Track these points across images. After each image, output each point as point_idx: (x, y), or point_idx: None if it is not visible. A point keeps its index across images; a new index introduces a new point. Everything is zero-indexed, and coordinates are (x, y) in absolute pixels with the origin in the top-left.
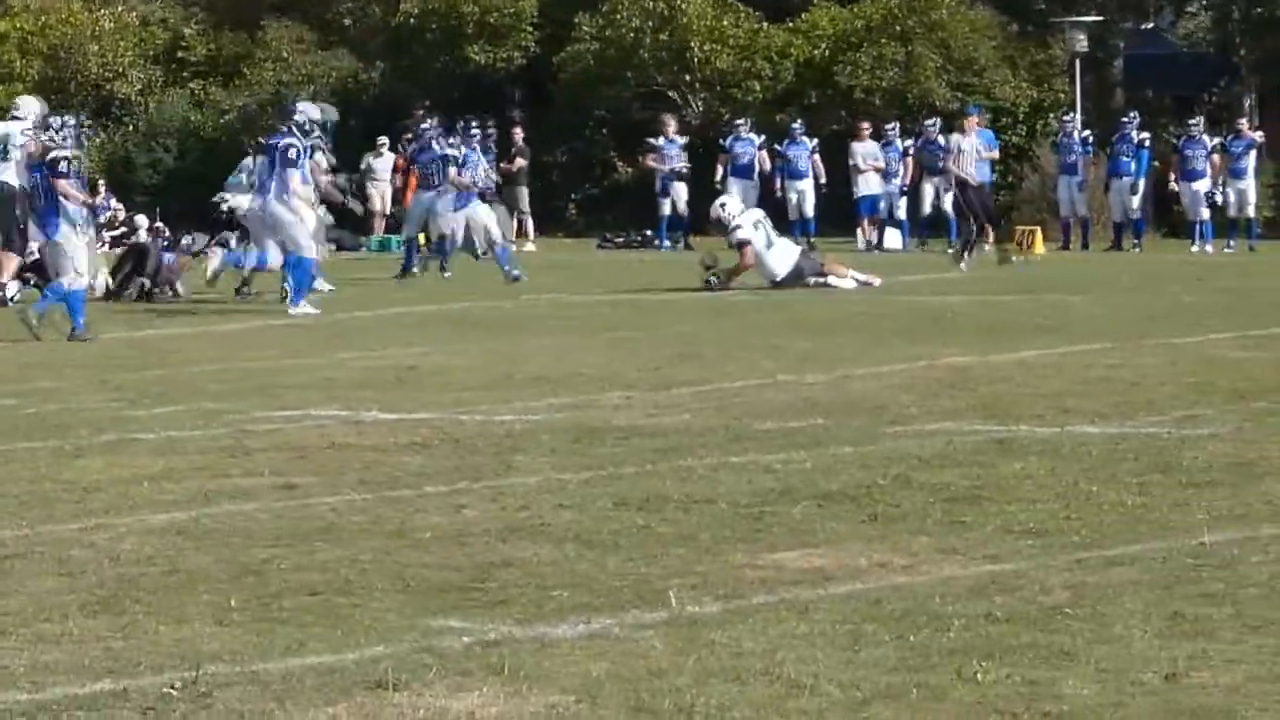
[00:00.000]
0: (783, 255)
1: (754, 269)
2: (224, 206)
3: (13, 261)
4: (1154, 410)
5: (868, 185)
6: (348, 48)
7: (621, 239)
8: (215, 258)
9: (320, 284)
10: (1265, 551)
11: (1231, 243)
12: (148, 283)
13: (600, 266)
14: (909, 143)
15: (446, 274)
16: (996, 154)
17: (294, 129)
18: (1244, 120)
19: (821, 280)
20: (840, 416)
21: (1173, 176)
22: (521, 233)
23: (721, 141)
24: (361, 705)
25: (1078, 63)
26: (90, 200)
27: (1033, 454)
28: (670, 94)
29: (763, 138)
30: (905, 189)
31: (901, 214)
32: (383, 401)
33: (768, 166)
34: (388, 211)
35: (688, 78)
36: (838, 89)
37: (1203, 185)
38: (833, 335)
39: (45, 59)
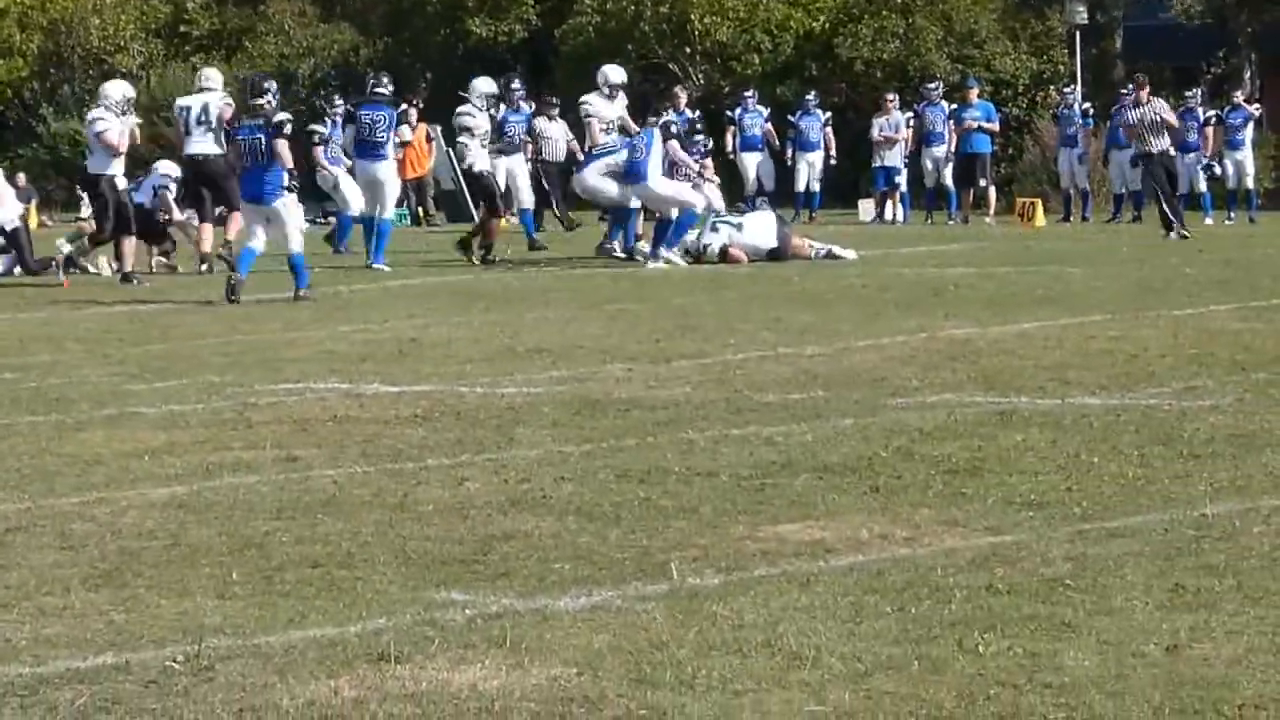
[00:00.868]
0: (760, 228)
1: (749, 254)
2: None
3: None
4: (1155, 382)
5: (889, 158)
6: (349, 21)
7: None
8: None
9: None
10: (1266, 523)
11: (1232, 214)
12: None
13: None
14: (908, 114)
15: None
16: (996, 126)
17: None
18: (1239, 92)
19: (824, 252)
20: (841, 389)
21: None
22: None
23: (729, 113)
24: (363, 678)
25: (1078, 35)
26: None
27: (1034, 426)
28: (671, 66)
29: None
30: (906, 161)
31: (903, 186)
32: (384, 374)
33: (775, 141)
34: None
35: (688, 50)
36: (838, 61)
37: (1196, 157)
38: (833, 308)
39: (45, 33)
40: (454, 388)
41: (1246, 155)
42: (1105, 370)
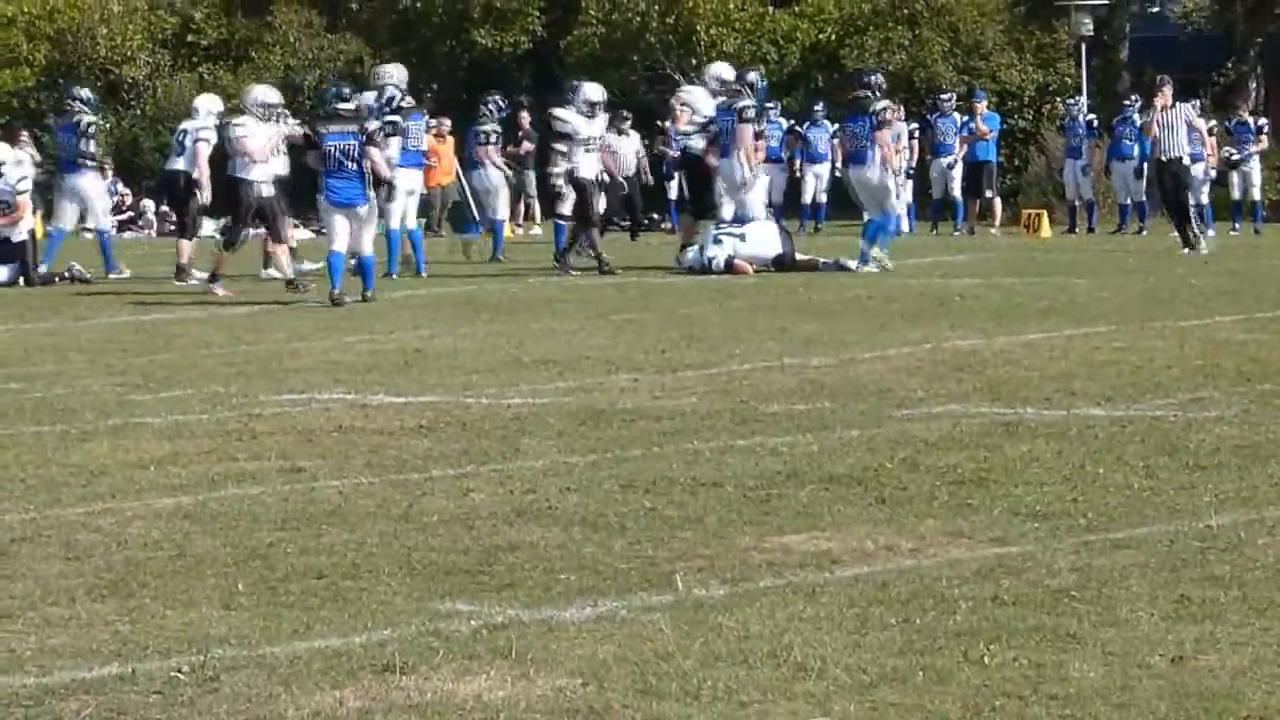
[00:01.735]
0: (763, 238)
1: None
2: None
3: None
4: (1160, 393)
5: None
6: (355, 32)
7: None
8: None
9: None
10: (1271, 534)
11: (1237, 226)
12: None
13: (607, 248)
14: (913, 125)
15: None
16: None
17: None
18: (1242, 105)
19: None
20: (847, 399)
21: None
22: (529, 216)
23: None
24: (368, 688)
25: (1083, 46)
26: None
27: (1039, 436)
28: (676, 77)
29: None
30: (911, 171)
31: (908, 197)
32: (389, 385)
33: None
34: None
35: (694, 61)
36: (844, 73)
37: (1200, 169)
38: (839, 318)
39: (52, 43)
40: (459, 398)
41: (1253, 167)
42: (1111, 381)
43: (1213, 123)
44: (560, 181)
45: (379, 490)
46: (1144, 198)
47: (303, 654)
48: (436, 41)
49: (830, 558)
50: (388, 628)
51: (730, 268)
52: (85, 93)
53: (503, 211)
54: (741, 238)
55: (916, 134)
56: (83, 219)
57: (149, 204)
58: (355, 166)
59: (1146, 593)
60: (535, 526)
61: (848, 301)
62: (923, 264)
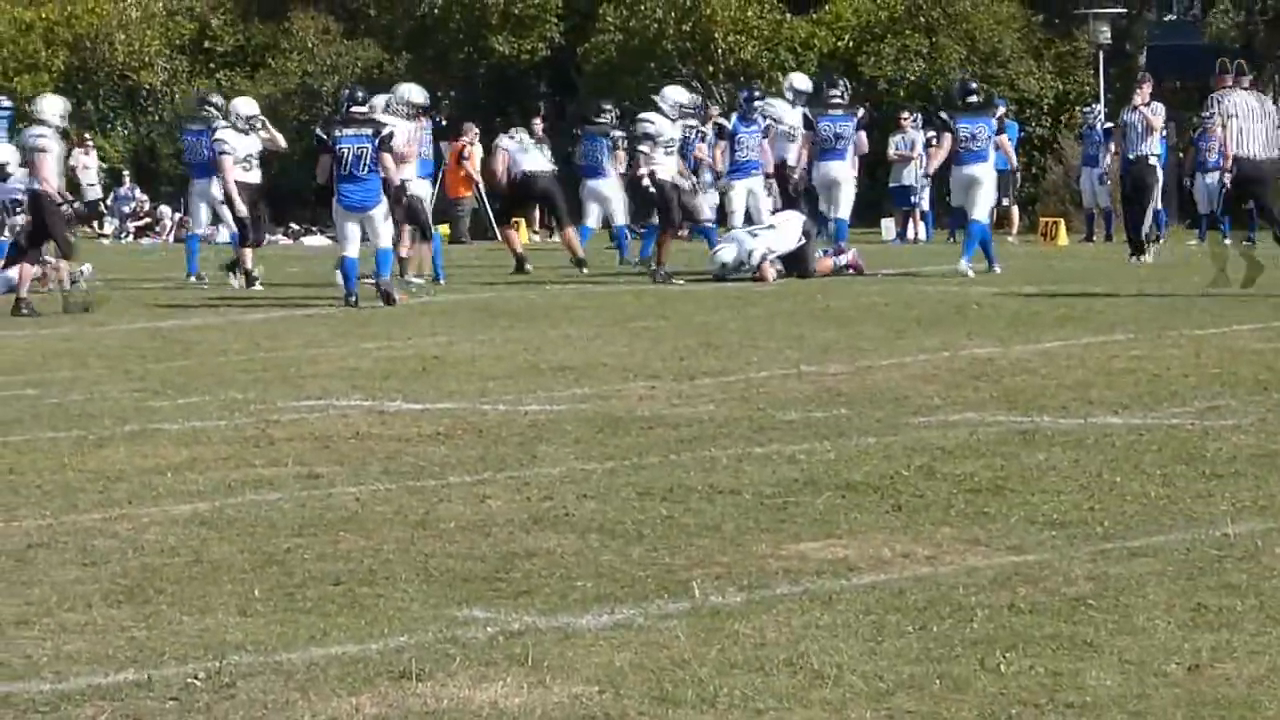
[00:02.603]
0: (788, 229)
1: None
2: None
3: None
4: (1177, 401)
5: (905, 176)
6: (373, 38)
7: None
8: None
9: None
10: None
11: (1252, 235)
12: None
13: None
14: (929, 133)
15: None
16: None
17: None
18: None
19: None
20: (863, 407)
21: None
22: (544, 224)
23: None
24: (385, 695)
25: (1101, 54)
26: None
27: (1056, 445)
28: (694, 85)
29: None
30: (927, 179)
31: (925, 204)
32: (407, 391)
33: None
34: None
35: (711, 68)
36: (861, 80)
37: (1216, 177)
38: (856, 325)
39: (71, 49)
40: (476, 405)
41: None
42: (1128, 389)
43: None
44: (647, 183)
45: (396, 497)
46: (1161, 206)
47: (319, 660)
48: (454, 48)
49: (847, 565)
50: (404, 634)
51: (759, 268)
52: (218, 99)
53: (621, 217)
54: (771, 227)
55: (934, 142)
56: (215, 221)
57: (165, 210)
58: (368, 170)
59: (1163, 601)
60: (552, 533)
61: (865, 309)
62: (939, 271)
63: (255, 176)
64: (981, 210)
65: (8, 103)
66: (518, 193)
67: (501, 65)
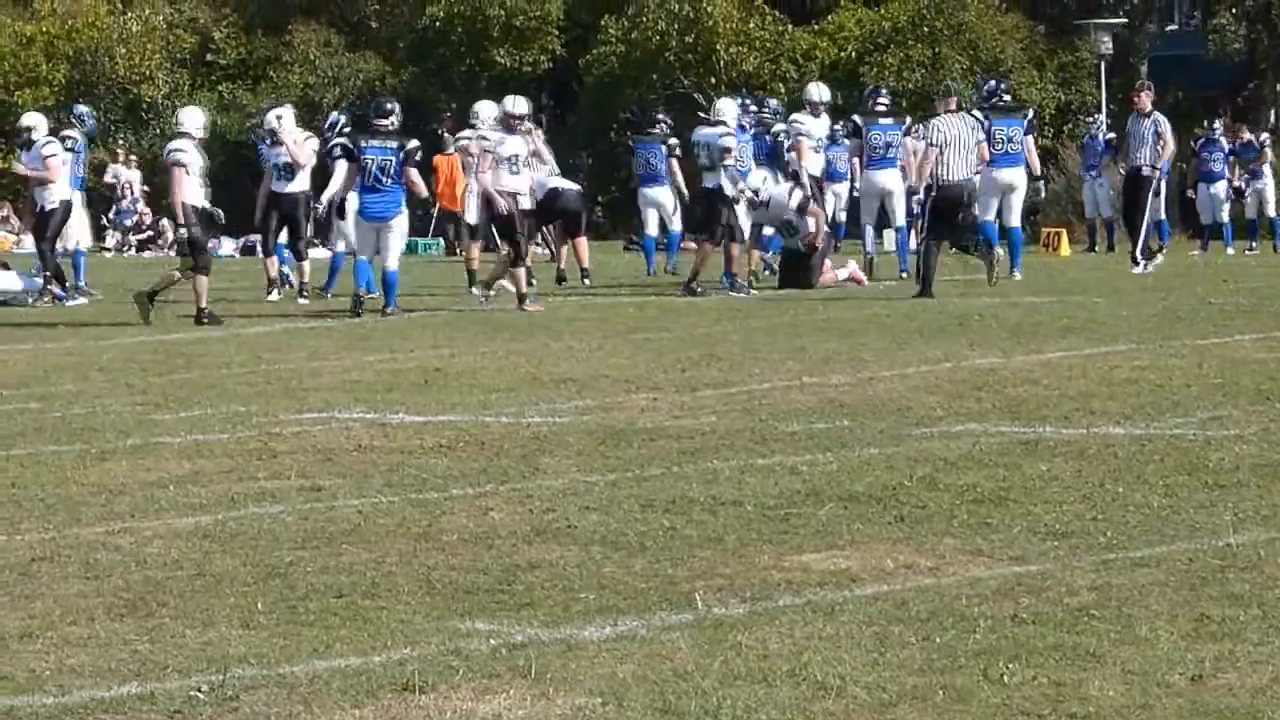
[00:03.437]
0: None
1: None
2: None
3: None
4: (1180, 411)
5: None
6: (374, 50)
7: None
8: None
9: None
10: None
11: (1254, 245)
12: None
13: (626, 268)
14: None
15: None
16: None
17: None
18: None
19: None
20: (866, 418)
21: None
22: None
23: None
24: (388, 708)
25: (1103, 65)
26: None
27: (1059, 455)
28: (696, 96)
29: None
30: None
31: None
32: (409, 403)
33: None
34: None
35: (713, 80)
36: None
37: (1220, 187)
38: (858, 337)
39: (72, 62)
40: (479, 417)
41: (1267, 184)
42: (1130, 400)
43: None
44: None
45: (398, 509)
46: (1163, 216)
47: (322, 673)
48: (455, 60)
49: (849, 576)
50: (407, 647)
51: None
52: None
53: (676, 223)
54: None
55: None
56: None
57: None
58: (391, 182)
59: (1166, 611)
60: (555, 545)
61: (866, 320)
62: (941, 282)
63: (296, 185)
64: (1017, 216)
65: (83, 123)
66: (547, 209)
67: (503, 77)
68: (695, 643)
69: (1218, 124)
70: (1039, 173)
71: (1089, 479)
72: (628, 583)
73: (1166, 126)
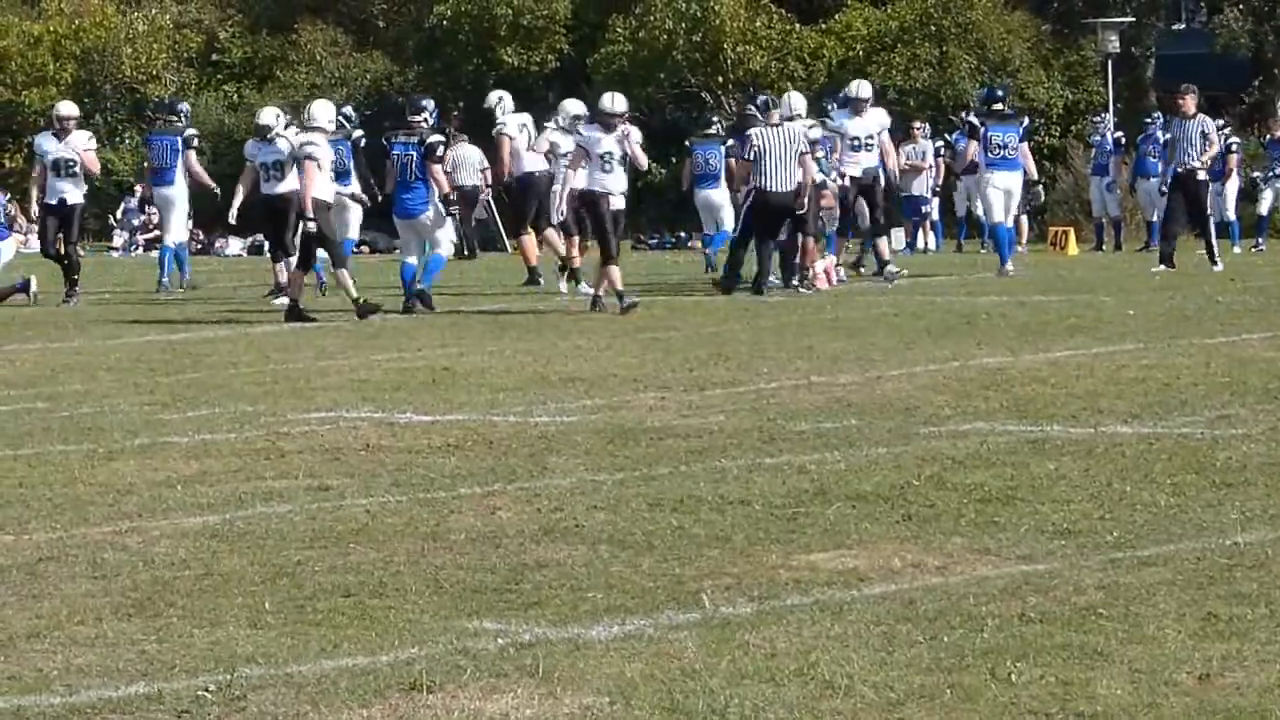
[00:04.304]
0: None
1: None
2: None
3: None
4: (1187, 410)
5: (916, 186)
6: (381, 50)
7: (655, 240)
8: None
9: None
10: None
11: (1261, 243)
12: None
13: (634, 267)
14: (939, 143)
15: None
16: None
17: None
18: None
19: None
20: (874, 417)
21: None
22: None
23: None
24: (395, 707)
25: (1110, 64)
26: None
27: (1066, 454)
28: (703, 95)
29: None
30: (937, 189)
31: (934, 214)
32: (417, 403)
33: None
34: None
35: (720, 79)
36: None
37: (1230, 186)
38: (866, 336)
39: (79, 62)
40: (487, 416)
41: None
42: (1137, 398)
43: (1235, 140)
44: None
45: (406, 508)
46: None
47: (330, 672)
48: (463, 60)
49: (857, 575)
50: (415, 646)
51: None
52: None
53: (730, 224)
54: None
55: (943, 152)
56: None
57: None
58: (416, 178)
59: (1173, 610)
60: (562, 545)
61: (874, 319)
62: (949, 281)
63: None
64: (1010, 216)
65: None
66: (521, 193)
67: (511, 76)
68: (703, 642)
69: (1223, 122)
70: (1036, 177)
71: (1096, 478)
72: (635, 582)
73: (1212, 127)
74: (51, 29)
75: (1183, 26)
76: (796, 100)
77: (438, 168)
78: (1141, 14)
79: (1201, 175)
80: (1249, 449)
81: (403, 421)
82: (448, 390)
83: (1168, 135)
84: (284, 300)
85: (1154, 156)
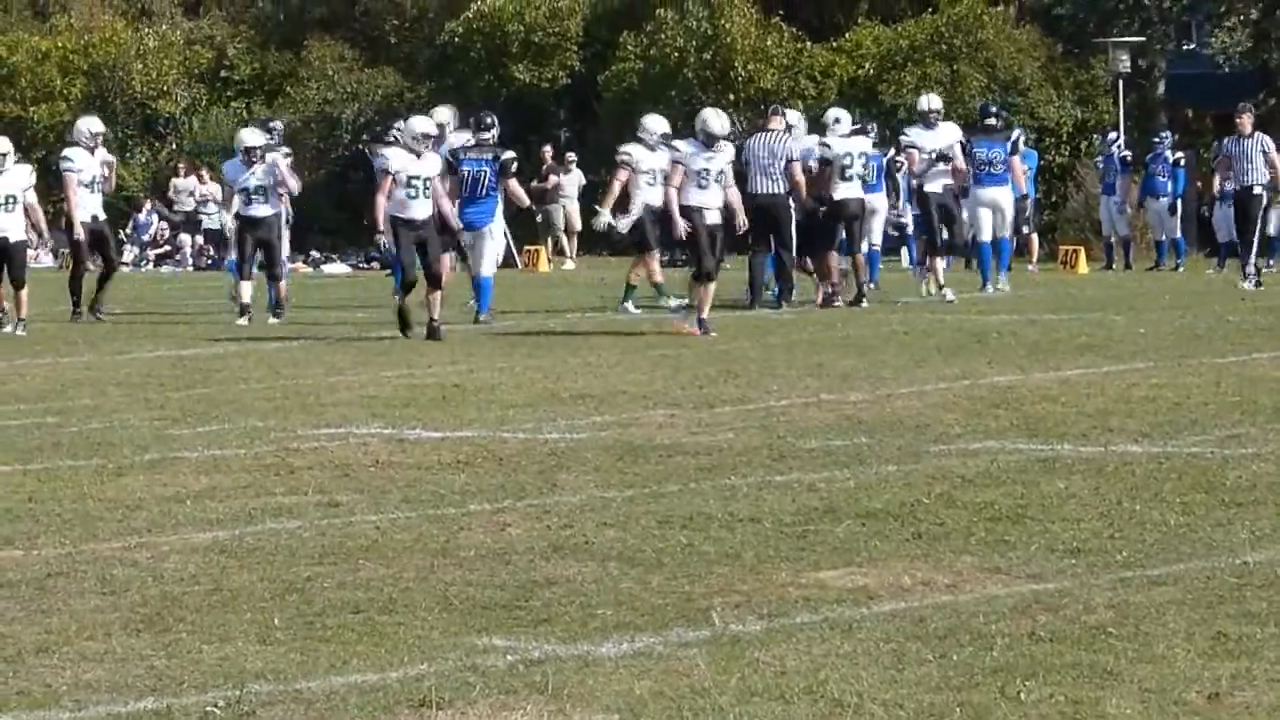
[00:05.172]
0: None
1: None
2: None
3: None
4: (1197, 429)
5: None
6: (393, 66)
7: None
8: None
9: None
10: None
11: (1271, 262)
12: None
13: (644, 283)
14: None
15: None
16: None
17: None
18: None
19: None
20: (884, 435)
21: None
22: (558, 251)
23: None
24: None
25: (1120, 82)
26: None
27: (1076, 473)
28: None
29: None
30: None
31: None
32: (426, 419)
33: None
34: (576, 229)
35: (731, 97)
36: (882, 108)
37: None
38: (876, 354)
39: (88, 77)
40: (496, 433)
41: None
42: (1148, 418)
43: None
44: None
45: (416, 525)
46: (1179, 234)
47: (339, 689)
48: (474, 76)
49: (867, 593)
50: (424, 662)
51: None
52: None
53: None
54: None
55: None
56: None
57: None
58: (486, 193)
59: (1183, 629)
60: (572, 561)
61: (885, 337)
62: (959, 299)
63: (263, 210)
64: (1000, 231)
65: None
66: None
67: (522, 93)
68: (712, 659)
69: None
70: (1024, 192)
71: (1106, 497)
72: (645, 599)
73: (1272, 146)
74: (60, 45)
75: (1192, 46)
76: (793, 117)
77: (514, 182)
78: (1152, 34)
79: (1258, 191)
80: (1259, 468)
81: (412, 438)
82: (457, 407)
83: (1223, 153)
84: (245, 321)
85: (1163, 176)
